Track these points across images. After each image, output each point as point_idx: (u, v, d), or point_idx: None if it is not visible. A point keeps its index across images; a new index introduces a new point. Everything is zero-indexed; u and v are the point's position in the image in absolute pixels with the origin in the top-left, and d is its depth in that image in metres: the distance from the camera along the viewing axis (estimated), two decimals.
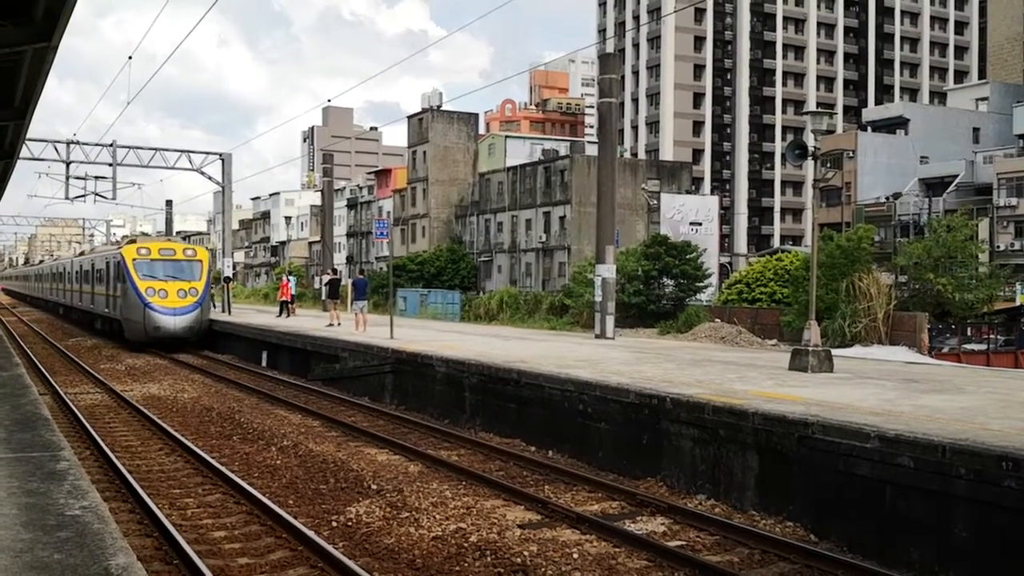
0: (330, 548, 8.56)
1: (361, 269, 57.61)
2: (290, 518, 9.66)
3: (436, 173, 73.55)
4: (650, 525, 9.99)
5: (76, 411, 16.80)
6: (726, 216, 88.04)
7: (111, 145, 39.45)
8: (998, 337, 33.39)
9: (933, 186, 64.34)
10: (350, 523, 9.89)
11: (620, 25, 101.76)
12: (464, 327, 33.89)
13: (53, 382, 21.54)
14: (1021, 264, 49.59)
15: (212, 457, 13.03)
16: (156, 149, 40.75)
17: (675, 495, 11.25)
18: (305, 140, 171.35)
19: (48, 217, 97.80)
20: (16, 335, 37.67)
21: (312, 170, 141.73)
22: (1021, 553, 7.82)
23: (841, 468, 9.48)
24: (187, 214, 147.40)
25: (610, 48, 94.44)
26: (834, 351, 17.22)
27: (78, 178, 40.86)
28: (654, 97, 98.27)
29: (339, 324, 28.48)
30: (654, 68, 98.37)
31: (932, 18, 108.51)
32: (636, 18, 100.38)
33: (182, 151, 41.08)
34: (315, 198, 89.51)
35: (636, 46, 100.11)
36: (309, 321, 31.66)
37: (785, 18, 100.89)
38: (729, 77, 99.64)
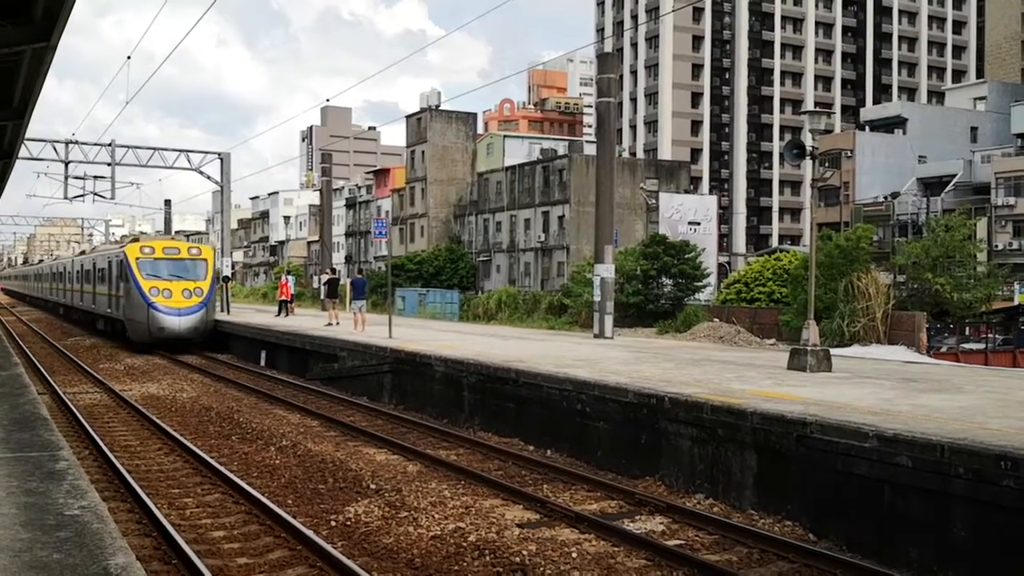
0: (329, 548, 8.57)
1: (360, 269, 57.54)
2: (289, 518, 9.66)
3: (435, 173, 73.55)
4: (649, 524, 10.00)
5: (75, 411, 16.79)
6: (724, 216, 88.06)
7: (110, 145, 39.43)
8: (996, 336, 33.42)
9: (931, 185, 64.35)
10: (349, 523, 9.90)
11: (618, 24, 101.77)
12: (463, 327, 33.89)
13: (52, 382, 21.53)
14: (1019, 263, 49.64)
15: (211, 457, 13.03)
16: (155, 149, 40.75)
17: (674, 494, 11.26)
18: (304, 140, 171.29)
19: (47, 217, 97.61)
20: (15, 334, 37.64)
21: (311, 170, 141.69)
22: (1020, 552, 7.83)
23: (839, 467, 9.49)
24: (186, 214, 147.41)
25: (608, 48, 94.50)
26: (832, 351, 17.23)
27: (77, 178, 40.84)
28: (652, 96, 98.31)
29: (338, 323, 28.49)
30: (652, 67, 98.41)
31: (930, 17, 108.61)
32: (634, 17, 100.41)
33: (181, 151, 41.07)
34: (314, 198, 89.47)
35: (634, 45, 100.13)
36: (308, 320, 31.65)
37: (783, 17, 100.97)
38: (727, 76, 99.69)
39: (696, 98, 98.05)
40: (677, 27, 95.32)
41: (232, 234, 51.77)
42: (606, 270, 24.89)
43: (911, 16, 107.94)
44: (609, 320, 24.77)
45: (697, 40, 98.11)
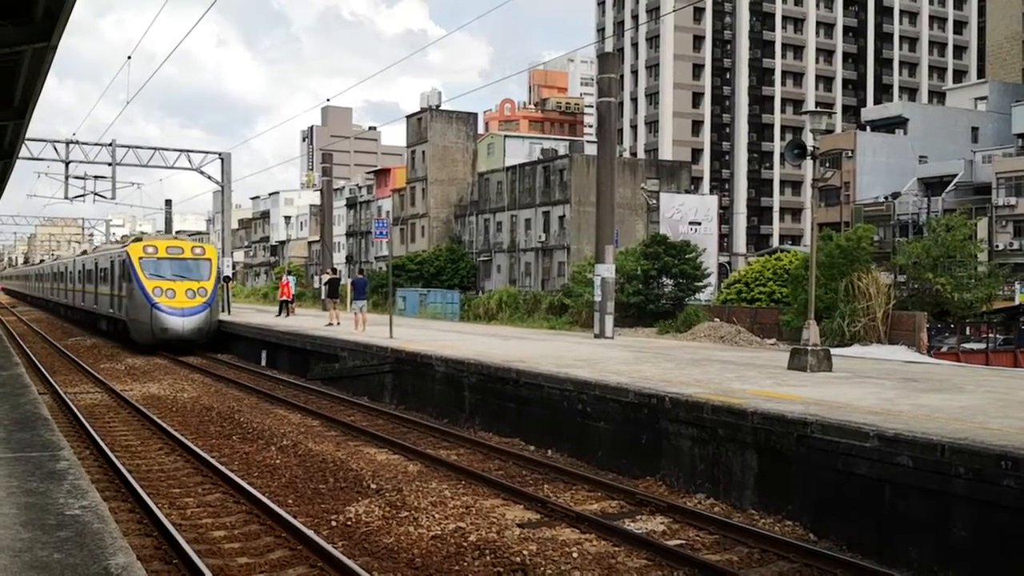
0: (329, 547, 8.57)
1: (360, 269, 57.59)
2: (289, 517, 9.66)
3: (435, 173, 73.55)
4: (649, 524, 10.00)
5: (76, 411, 16.80)
6: (725, 216, 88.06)
7: (110, 145, 39.44)
8: (997, 336, 33.43)
9: (932, 185, 64.32)
10: (349, 522, 9.90)
11: (619, 24, 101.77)
12: (463, 327, 33.89)
13: (53, 382, 21.53)
14: (1020, 263, 49.61)
15: (212, 456, 13.04)
16: (155, 149, 40.75)
17: (674, 494, 11.26)
18: (304, 140, 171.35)
19: (47, 217, 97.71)
20: (16, 334, 37.65)
21: (311, 170, 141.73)
22: (1020, 552, 7.83)
23: (840, 467, 9.49)
24: (186, 214, 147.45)
25: (609, 47, 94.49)
26: (833, 350, 17.22)
27: (77, 178, 40.84)
28: (653, 96, 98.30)
29: (338, 323, 28.49)
30: (653, 67, 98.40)
31: (931, 17, 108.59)
32: (635, 17, 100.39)
33: (181, 151, 41.07)
34: (314, 197, 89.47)
35: (635, 45, 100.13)
36: (308, 320, 31.64)
37: (784, 17, 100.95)
38: (728, 76, 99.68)
39: (697, 98, 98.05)
40: (678, 27, 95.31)
41: (233, 234, 51.80)
42: (607, 270, 24.89)
43: (912, 16, 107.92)
44: (610, 320, 24.77)
45: (698, 40, 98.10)
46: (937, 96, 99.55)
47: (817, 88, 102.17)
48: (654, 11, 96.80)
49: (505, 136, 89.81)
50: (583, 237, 56.75)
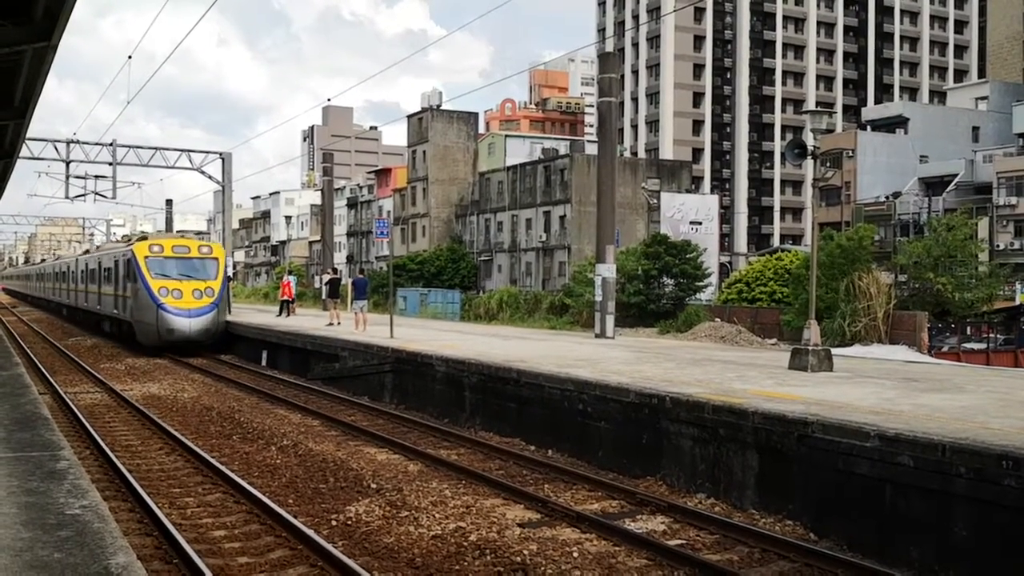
0: (329, 547, 8.56)
1: (361, 268, 57.62)
2: (290, 517, 9.66)
3: (436, 172, 73.56)
4: (650, 524, 9.99)
5: (76, 410, 16.80)
6: (726, 215, 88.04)
7: (111, 144, 39.46)
8: (998, 336, 33.42)
9: (933, 185, 64.31)
10: (350, 522, 9.89)
11: (620, 24, 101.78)
12: (464, 327, 33.89)
13: (53, 381, 21.53)
14: (1021, 263, 49.59)
15: (212, 456, 13.04)
16: (156, 148, 40.78)
17: (675, 494, 11.25)
18: (305, 139, 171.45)
19: (48, 216, 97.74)
20: (16, 334, 37.66)
21: (312, 169, 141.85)
22: (1021, 552, 7.82)
23: (841, 467, 9.48)
24: (187, 213, 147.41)
25: (610, 47, 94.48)
26: (834, 350, 17.22)
27: (78, 177, 40.86)
28: (654, 96, 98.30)
29: (339, 323, 28.48)
30: (654, 67, 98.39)
31: (932, 17, 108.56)
32: (636, 17, 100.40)
33: (182, 150, 41.10)
34: (315, 197, 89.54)
35: (636, 45, 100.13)
36: (309, 320, 31.64)
37: (785, 17, 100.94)
38: (729, 76, 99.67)
39: (697, 98, 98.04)
40: (678, 27, 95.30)
41: (233, 234, 51.85)
42: (607, 270, 24.88)
43: (913, 16, 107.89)
44: (610, 320, 24.76)
45: (698, 40, 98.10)
46: (938, 96, 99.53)
47: (818, 88, 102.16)
48: (655, 11, 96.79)
49: (506, 136, 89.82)
50: (584, 237, 56.75)
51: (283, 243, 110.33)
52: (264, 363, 27.46)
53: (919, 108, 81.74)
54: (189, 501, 10.86)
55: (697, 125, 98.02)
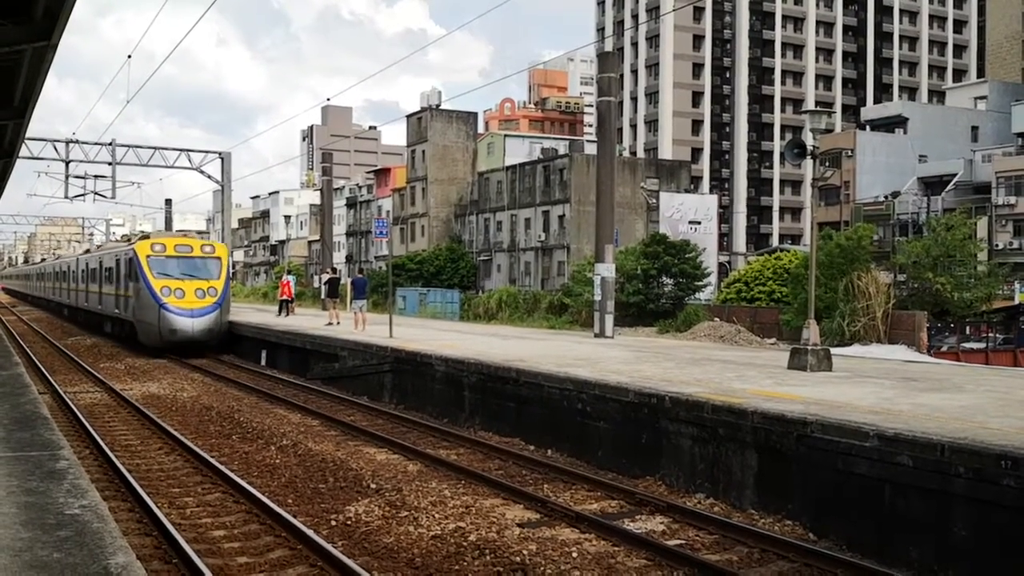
0: (329, 547, 8.57)
1: (360, 268, 57.57)
2: (289, 517, 9.66)
3: (435, 172, 73.56)
4: (649, 524, 9.99)
5: (75, 410, 16.79)
6: (725, 215, 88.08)
7: (110, 144, 39.47)
8: (997, 336, 33.42)
9: (932, 185, 64.33)
10: (349, 522, 9.90)
11: (619, 24, 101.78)
12: (463, 326, 33.88)
13: (52, 381, 21.52)
14: (1020, 262, 49.60)
15: (211, 456, 13.04)
16: (155, 148, 40.81)
17: (674, 494, 11.26)
18: (304, 139, 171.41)
19: (47, 216, 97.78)
20: (16, 334, 37.64)
21: (311, 169, 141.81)
22: (1020, 552, 7.83)
23: (840, 467, 9.49)
24: (186, 213, 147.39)
25: (609, 47, 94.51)
26: (833, 350, 17.22)
27: (77, 177, 40.88)
28: (653, 96, 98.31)
29: (338, 323, 28.47)
30: (653, 67, 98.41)
31: (931, 17, 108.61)
32: (635, 17, 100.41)
33: (181, 150, 41.13)
34: (314, 197, 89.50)
35: (635, 45, 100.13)
36: (308, 320, 31.62)
37: (784, 17, 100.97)
38: (728, 76, 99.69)
39: (697, 97, 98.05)
40: (678, 26, 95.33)
41: (233, 233, 51.83)
42: (607, 269, 24.88)
43: (912, 15, 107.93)
44: (610, 319, 24.77)
45: (698, 39, 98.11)
46: (937, 95, 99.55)
47: (817, 87, 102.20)
48: (654, 10, 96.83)
49: (505, 135, 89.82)
50: (583, 236, 56.77)
51: (282, 243, 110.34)
52: (263, 363, 27.45)
53: (918, 108, 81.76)
54: (188, 501, 10.86)
55: (696, 125, 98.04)
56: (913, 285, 31.26)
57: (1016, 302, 39.55)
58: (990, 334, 32.88)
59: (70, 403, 17.74)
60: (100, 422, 16.40)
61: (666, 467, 11.87)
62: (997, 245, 56.42)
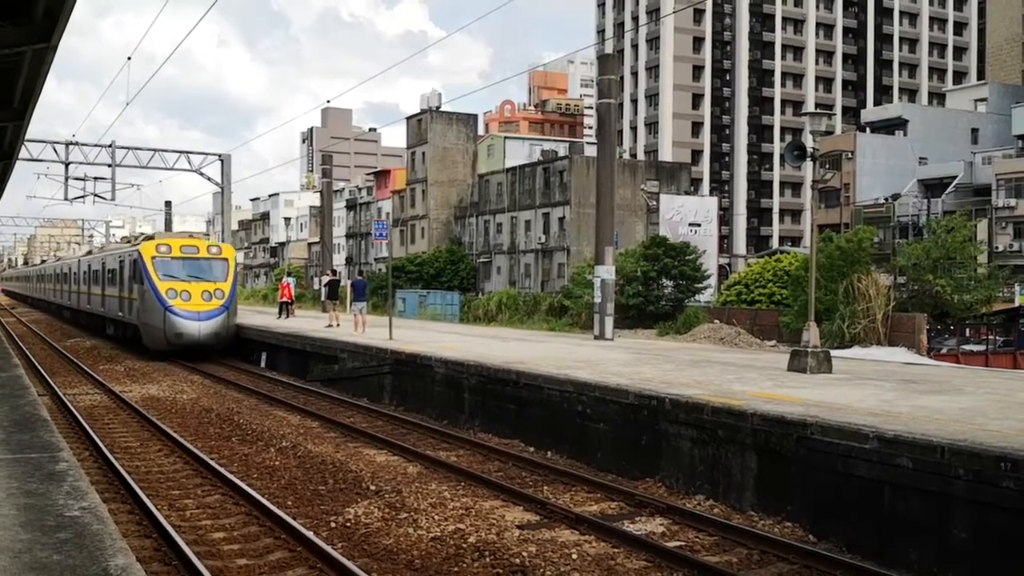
0: (329, 549, 8.56)
1: (360, 270, 57.67)
2: (289, 519, 9.66)
3: (435, 174, 73.57)
4: (649, 526, 9.99)
5: (75, 412, 16.79)
6: (725, 217, 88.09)
7: (110, 146, 39.49)
8: (997, 338, 33.44)
9: (932, 187, 64.35)
10: (349, 524, 9.90)
11: (619, 26, 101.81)
12: (463, 328, 33.89)
13: (52, 383, 21.52)
14: (1020, 265, 49.63)
15: (211, 458, 13.03)
16: (155, 150, 40.84)
17: (674, 496, 11.26)
18: (304, 141, 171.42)
19: (47, 218, 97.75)
20: (15, 336, 37.64)
21: (311, 171, 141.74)
22: (1020, 553, 7.83)
23: (840, 469, 9.49)
24: (186, 215, 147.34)
25: (609, 49, 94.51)
26: (833, 352, 17.22)
27: (77, 179, 40.92)
28: (653, 98, 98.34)
29: (338, 325, 28.46)
30: (653, 69, 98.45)
31: (931, 19, 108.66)
32: (635, 19, 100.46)
33: (181, 152, 41.22)
34: (314, 199, 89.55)
35: (635, 47, 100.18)
36: (308, 322, 31.63)
37: (784, 19, 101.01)
38: (728, 78, 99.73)
39: (697, 99, 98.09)
40: (678, 28, 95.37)
41: (232, 235, 51.82)
42: (606, 272, 24.88)
43: (912, 17, 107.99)
44: (609, 321, 24.77)
45: (698, 41, 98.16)
46: (937, 97, 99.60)
47: (817, 89, 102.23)
48: (654, 12, 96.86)
49: (505, 137, 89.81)
50: (583, 238, 56.77)
51: (282, 245, 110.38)
52: (263, 364, 27.46)
53: (918, 110, 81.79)
54: (188, 503, 10.86)
55: (696, 127, 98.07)
56: (913, 287, 31.26)
57: (1016, 304, 39.56)
58: (990, 336, 32.90)
59: (70, 405, 17.73)
60: (100, 424, 16.40)
61: (666, 469, 11.87)
62: (997, 247, 56.44)
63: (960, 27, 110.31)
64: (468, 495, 11.17)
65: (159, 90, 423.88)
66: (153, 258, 28.05)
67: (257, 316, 37.85)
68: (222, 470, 12.13)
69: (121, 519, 9.55)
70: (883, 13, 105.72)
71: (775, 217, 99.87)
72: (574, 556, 8.78)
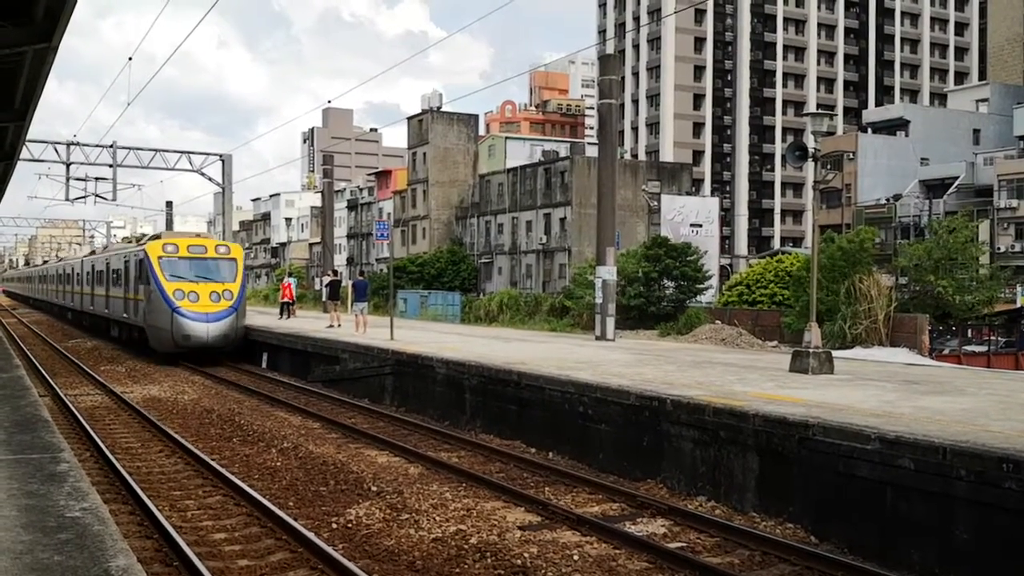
0: (330, 550, 8.56)
1: (361, 271, 57.68)
2: (290, 520, 9.66)
3: (436, 174, 73.57)
4: (650, 527, 9.98)
5: (76, 413, 16.79)
6: (726, 218, 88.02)
7: (111, 146, 39.50)
8: (998, 339, 33.39)
9: (933, 188, 64.32)
10: (350, 525, 9.89)
11: (620, 26, 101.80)
12: (464, 329, 33.88)
13: (53, 384, 21.53)
14: (1021, 266, 49.57)
15: (212, 459, 13.03)
16: (156, 150, 40.86)
17: (675, 497, 11.25)
18: (305, 141, 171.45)
19: (48, 218, 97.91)
20: (16, 337, 37.65)
21: (312, 171, 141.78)
22: (1022, 555, 7.81)
23: (841, 470, 9.47)
24: (187, 215, 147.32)
25: (610, 49, 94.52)
26: (835, 353, 17.22)
27: (78, 179, 40.93)
28: (654, 98, 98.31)
29: (339, 325, 28.44)
30: (654, 69, 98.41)
31: (932, 19, 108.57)
32: (636, 19, 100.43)
33: (182, 152, 41.22)
34: (315, 199, 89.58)
35: (636, 47, 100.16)
36: (309, 322, 31.63)
37: (785, 19, 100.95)
38: (729, 78, 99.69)
39: (698, 100, 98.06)
40: (679, 29, 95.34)
41: (233, 236, 51.82)
42: (608, 272, 24.87)
43: (913, 18, 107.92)
44: (611, 322, 24.76)
45: (699, 42, 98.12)
46: (938, 98, 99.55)
47: (818, 90, 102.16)
48: (655, 13, 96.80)
49: (506, 138, 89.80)
50: (584, 239, 56.74)
51: (283, 245, 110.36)
52: (264, 365, 27.46)
53: (920, 110, 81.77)
54: (189, 504, 10.86)
55: (697, 127, 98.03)
56: (915, 288, 31.23)
57: (1018, 305, 39.49)
58: (992, 337, 32.86)
59: (71, 406, 17.73)
60: (101, 425, 16.41)
61: (667, 470, 11.86)
62: (999, 248, 56.41)
63: (961, 27, 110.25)
64: (469, 496, 11.16)
65: (160, 90, 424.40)
66: (160, 258, 27.55)
67: (258, 316, 37.83)
68: (223, 471, 12.12)
69: (122, 520, 9.55)
70: (884, 14, 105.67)
71: (776, 218, 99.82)
72: (575, 557, 8.77)
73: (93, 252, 48.23)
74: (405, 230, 76.89)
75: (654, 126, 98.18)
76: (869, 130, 74.98)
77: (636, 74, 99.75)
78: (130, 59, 29.34)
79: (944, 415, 10.52)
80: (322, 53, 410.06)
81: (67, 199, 40.59)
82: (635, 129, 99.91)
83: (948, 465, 8.45)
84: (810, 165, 16.33)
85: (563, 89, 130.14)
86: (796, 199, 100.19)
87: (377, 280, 51.65)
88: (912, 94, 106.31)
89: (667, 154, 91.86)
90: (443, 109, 74.47)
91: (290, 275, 51.67)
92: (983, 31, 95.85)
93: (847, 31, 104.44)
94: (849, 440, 9.44)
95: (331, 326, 28.46)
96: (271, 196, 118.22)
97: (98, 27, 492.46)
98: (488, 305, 45.63)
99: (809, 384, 13.83)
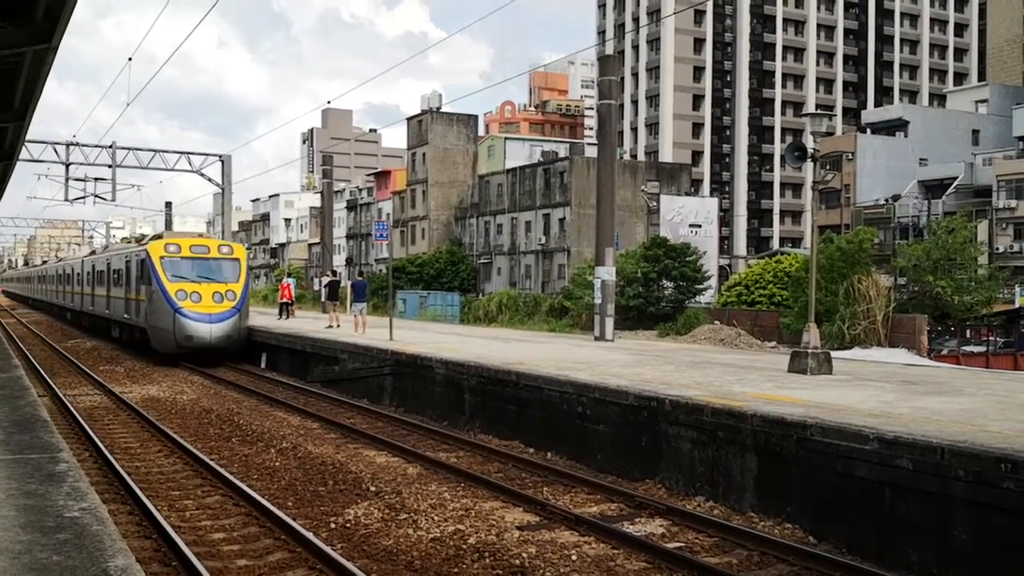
0: (328, 550, 8.56)
1: (360, 271, 57.63)
2: (289, 520, 9.66)
3: (436, 175, 73.56)
4: (649, 527, 9.99)
5: (75, 413, 16.79)
6: (725, 218, 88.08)
7: (111, 147, 39.50)
8: (997, 339, 33.41)
9: (932, 188, 64.36)
10: (349, 525, 9.90)
11: (620, 27, 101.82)
12: (463, 329, 33.89)
13: (52, 384, 21.52)
14: (1020, 266, 49.59)
15: (211, 459, 13.03)
16: (156, 151, 40.86)
17: (674, 497, 11.25)
18: (304, 142, 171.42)
19: (47, 219, 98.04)
20: (15, 337, 37.64)
21: (311, 172, 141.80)
22: (1020, 555, 7.82)
23: (840, 470, 9.48)
24: (186, 216, 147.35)
25: (610, 50, 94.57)
26: (833, 353, 17.22)
27: (77, 180, 40.91)
28: (654, 99, 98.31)
29: (338, 326, 28.43)
30: (654, 70, 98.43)
31: (932, 20, 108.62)
32: (636, 20, 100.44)
33: (182, 152, 41.21)
34: (315, 200, 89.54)
35: (636, 48, 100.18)
36: (308, 323, 31.62)
37: (785, 20, 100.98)
38: (729, 79, 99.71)
39: (697, 100, 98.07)
40: (678, 29, 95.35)
41: (233, 236, 51.81)
42: (607, 272, 24.88)
43: (913, 18, 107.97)
44: (610, 322, 24.77)
45: (698, 42, 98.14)
46: (938, 99, 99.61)
47: (818, 90, 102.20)
48: (655, 13, 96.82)
49: (505, 138, 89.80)
50: (583, 239, 56.74)
51: (282, 245, 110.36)
52: (263, 365, 27.45)
53: (919, 111, 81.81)
54: (188, 504, 10.86)
55: (697, 128, 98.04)
56: (914, 288, 31.25)
57: (1016, 306, 39.53)
58: (990, 338, 32.88)
59: (69, 406, 17.73)
60: (99, 425, 16.40)
61: (666, 470, 11.87)
62: (998, 248, 56.43)
63: (961, 28, 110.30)
64: (468, 496, 11.16)
65: (160, 91, 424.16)
66: (162, 258, 27.31)
67: (257, 317, 37.76)
68: (222, 471, 12.12)
69: (121, 520, 9.55)
70: (884, 14, 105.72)
71: (775, 218, 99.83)
72: (574, 557, 8.77)
73: (93, 252, 47.95)
74: (404, 230, 76.89)
75: (653, 127, 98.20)
76: (868, 131, 75.04)
77: (635, 75, 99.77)
78: (130, 59, 29.34)
79: (942, 415, 10.53)
80: (322, 54, 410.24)
81: (66, 199, 40.58)
82: (634, 130, 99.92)
83: (946, 465, 8.45)
84: (809, 166, 16.34)
85: (563, 90, 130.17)
86: (795, 199, 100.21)
87: (376, 280, 51.67)
88: (911, 95, 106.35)
89: (666, 155, 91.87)
90: (443, 110, 74.47)
91: (289, 275, 51.64)
92: (982, 32, 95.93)
93: (846, 32, 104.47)
94: (847, 440, 9.44)
95: (330, 326, 28.46)
96: (270, 197, 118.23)
97: (98, 27, 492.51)
98: (487, 305, 45.66)
99: (808, 384, 13.84)
